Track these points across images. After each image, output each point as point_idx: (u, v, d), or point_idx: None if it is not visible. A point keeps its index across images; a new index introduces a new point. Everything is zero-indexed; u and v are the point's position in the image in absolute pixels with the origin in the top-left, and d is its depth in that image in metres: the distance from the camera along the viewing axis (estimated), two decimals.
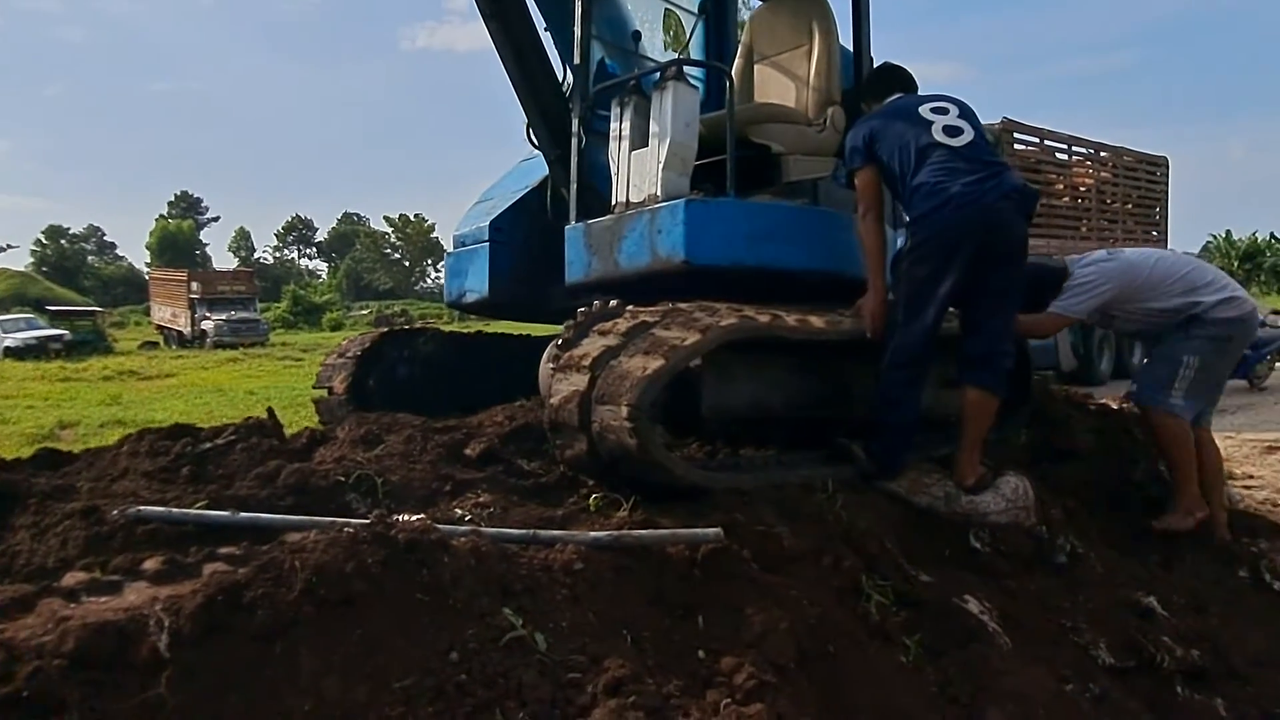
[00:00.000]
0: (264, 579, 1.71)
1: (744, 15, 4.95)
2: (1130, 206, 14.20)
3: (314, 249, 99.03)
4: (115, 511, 2.13)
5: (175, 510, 2.16)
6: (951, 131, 3.17)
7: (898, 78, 3.57)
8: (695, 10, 4.21)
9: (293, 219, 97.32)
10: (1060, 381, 8.07)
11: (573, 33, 3.79)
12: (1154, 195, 14.86)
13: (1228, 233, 44.68)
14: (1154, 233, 14.90)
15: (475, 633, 1.78)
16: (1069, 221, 12.59)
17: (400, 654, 1.70)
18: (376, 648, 1.69)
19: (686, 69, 3.56)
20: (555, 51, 4.04)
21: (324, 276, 78.17)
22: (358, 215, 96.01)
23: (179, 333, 33.43)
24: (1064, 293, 3.67)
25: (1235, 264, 43.87)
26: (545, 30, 4.01)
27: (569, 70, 3.87)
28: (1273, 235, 43.13)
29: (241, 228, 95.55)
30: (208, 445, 2.76)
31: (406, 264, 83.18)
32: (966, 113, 3.27)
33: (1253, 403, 10.88)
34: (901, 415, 3.15)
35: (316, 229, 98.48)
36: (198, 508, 2.22)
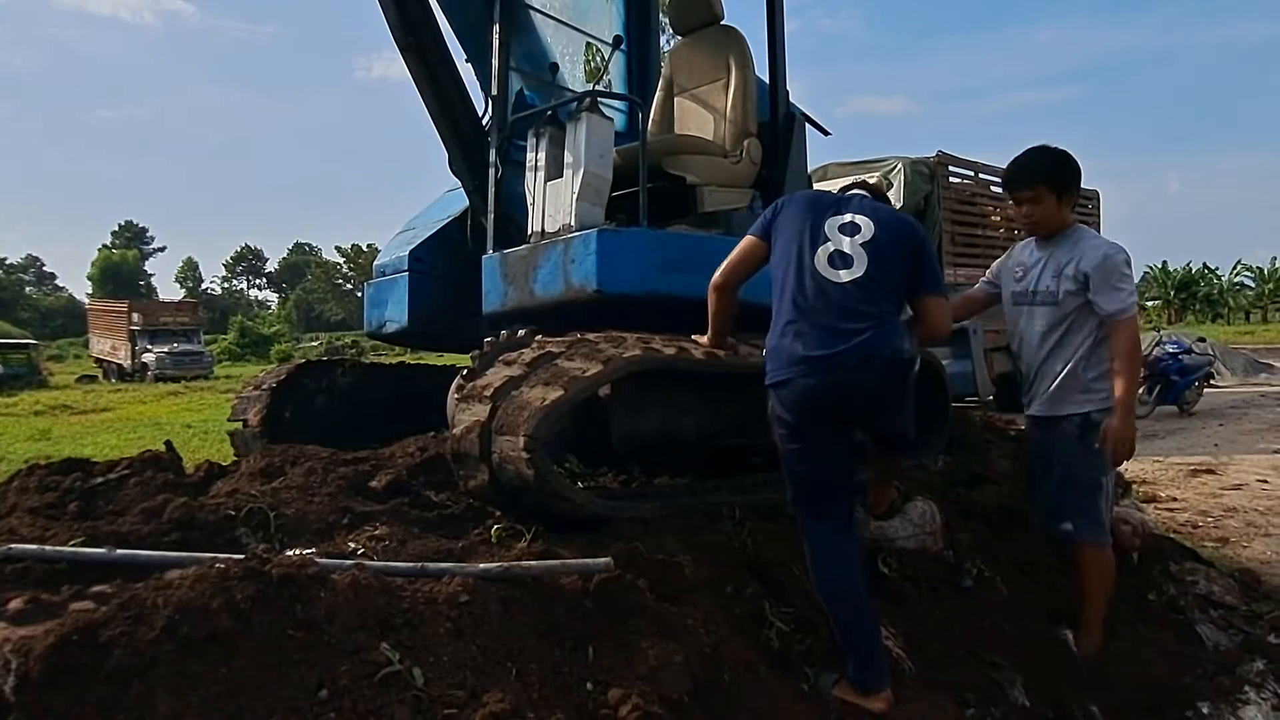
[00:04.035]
0: (124, 617, 1.65)
1: (667, 48, 5.02)
2: None
3: (264, 279, 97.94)
4: None
5: (48, 548, 2.08)
6: (840, 261, 2.54)
7: None
8: (610, 41, 4.25)
9: (242, 249, 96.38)
10: (985, 408, 8.15)
11: (491, 64, 3.81)
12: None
13: (1164, 264, 46.21)
14: None
15: (349, 669, 1.74)
16: (1004, 252, 12.87)
17: (266, 693, 1.65)
18: (240, 687, 1.63)
19: (604, 101, 3.59)
20: (476, 82, 4.05)
21: (274, 307, 77.22)
22: (309, 245, 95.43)
23: (119, 365, 32.43)
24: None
25: (1171, 293, 45.34)
26: (466, 62, 4.02)
27: (489, 101, 3.88)
28: (1205, 265, 44.71)
29: (189, 258, 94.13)
30: (99, 480, 2.68)
31: (359, 295, 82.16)
32: (881, 233, 2.58)
33: (1182, 427, 11.19)
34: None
35: (267, 259, 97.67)
36: (74, 544, 2.14)
